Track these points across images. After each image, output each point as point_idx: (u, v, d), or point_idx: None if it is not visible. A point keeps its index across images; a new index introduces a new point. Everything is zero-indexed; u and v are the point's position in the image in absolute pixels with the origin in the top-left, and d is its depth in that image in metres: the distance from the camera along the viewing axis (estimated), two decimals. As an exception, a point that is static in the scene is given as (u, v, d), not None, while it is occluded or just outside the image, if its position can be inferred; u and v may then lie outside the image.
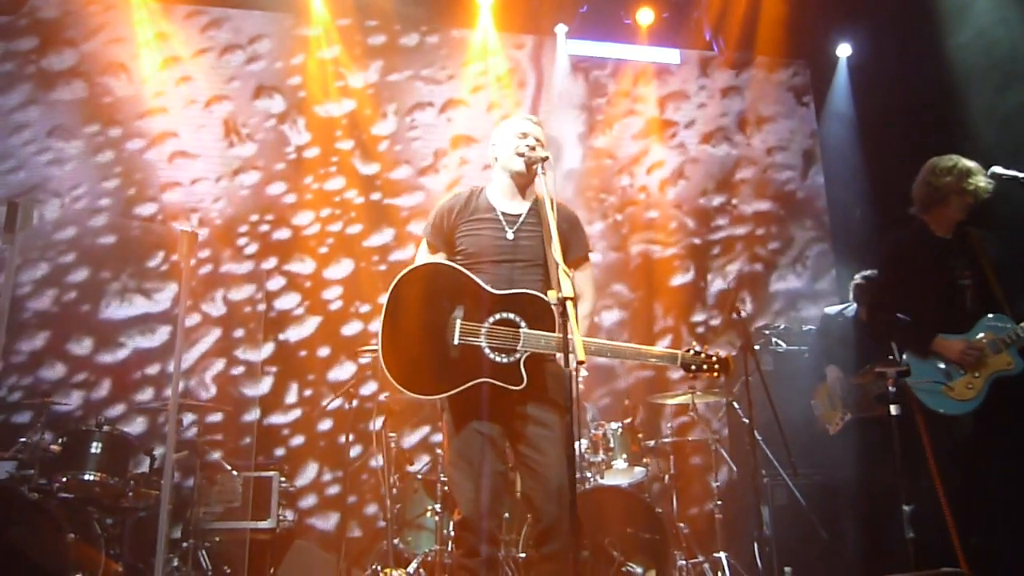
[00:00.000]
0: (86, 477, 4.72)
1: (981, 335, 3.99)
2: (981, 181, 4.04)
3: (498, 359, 2.96)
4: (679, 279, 7.14)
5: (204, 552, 4.98)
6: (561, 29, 7.17)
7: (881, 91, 6.73)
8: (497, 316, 3.00)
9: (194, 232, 4.68)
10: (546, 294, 3.03)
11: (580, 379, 3.28)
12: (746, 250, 7.33)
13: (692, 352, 3.04)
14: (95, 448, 4.77)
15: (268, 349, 6.21)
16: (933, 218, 4.21)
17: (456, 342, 2.96)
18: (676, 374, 6.77)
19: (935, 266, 4.11)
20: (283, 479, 5.44)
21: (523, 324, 2.98)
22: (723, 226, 7.33)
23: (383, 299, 3.08)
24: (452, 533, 4.72)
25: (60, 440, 4.79)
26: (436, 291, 3.03)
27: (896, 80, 6.47)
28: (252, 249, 6.35)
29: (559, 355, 2.81)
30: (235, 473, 5.25)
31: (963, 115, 5.43)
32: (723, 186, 7.40)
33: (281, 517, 5.32)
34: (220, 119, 6.49)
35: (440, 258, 3.23)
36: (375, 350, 3.03)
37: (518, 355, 2.95)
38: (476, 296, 3.02)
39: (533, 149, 3.16)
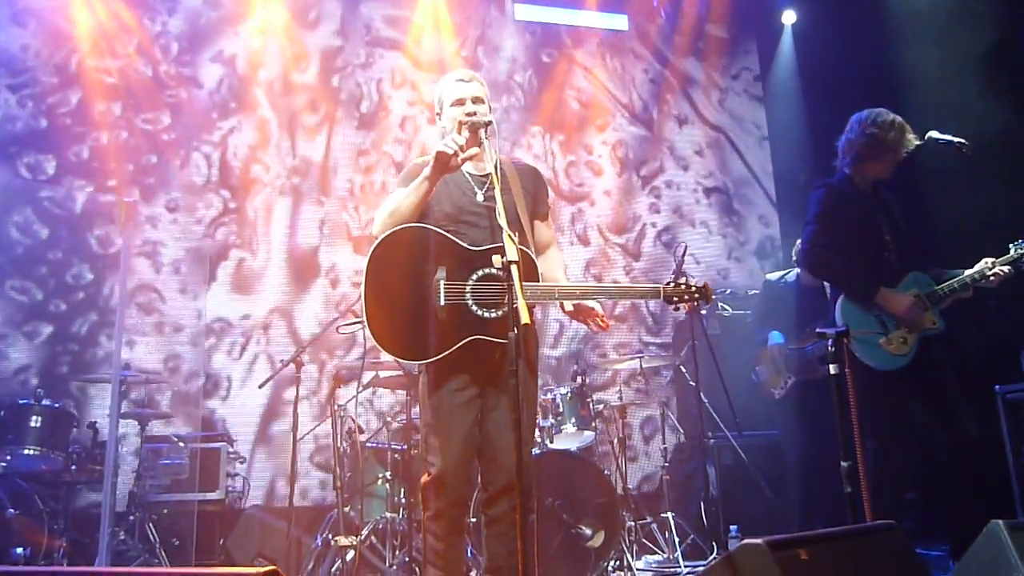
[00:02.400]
0: (26, 452, 4.62)
1: (914, 291, 4.02)
2: (914, 140, 4.10)
3: (486, 314, 2.96)
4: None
5: (151, 525, 4.92)
6: (510, -8, 7.13)
7: (826, 57, 6.81)
8: (480, 272, 2.99)
9: (133, 202, 4.59)
10: (529, 248, 3.05)
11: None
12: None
13: (673, 285, 3.09)
14: (34, 422, 4.68)
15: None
16: (859, 172, 4.17)
17: (442, 303, 2.94)
18: (626, 336, 6.89)
19: (862, 219, 4.11)
20: (231, 450, 5.39)
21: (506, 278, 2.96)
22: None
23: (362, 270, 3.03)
24: (403, 500, 4.76)
25: (-3, 415, 4.68)
26: (415, 256, 3.00)
27: (840, 46, 6.55)
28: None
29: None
30: (182, 444, 5.18)
31: (905, 80, 5.53)
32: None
33: (230, 488, 5.29)
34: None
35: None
36: (359, 322, 2.97)
37: (506, 308, 2.94)
38: (456, 255, 3.00)
39: (473, 114, 3.11)
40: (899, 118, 4.10)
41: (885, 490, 3.78)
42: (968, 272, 4.00)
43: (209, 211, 6.31)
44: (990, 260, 3.98)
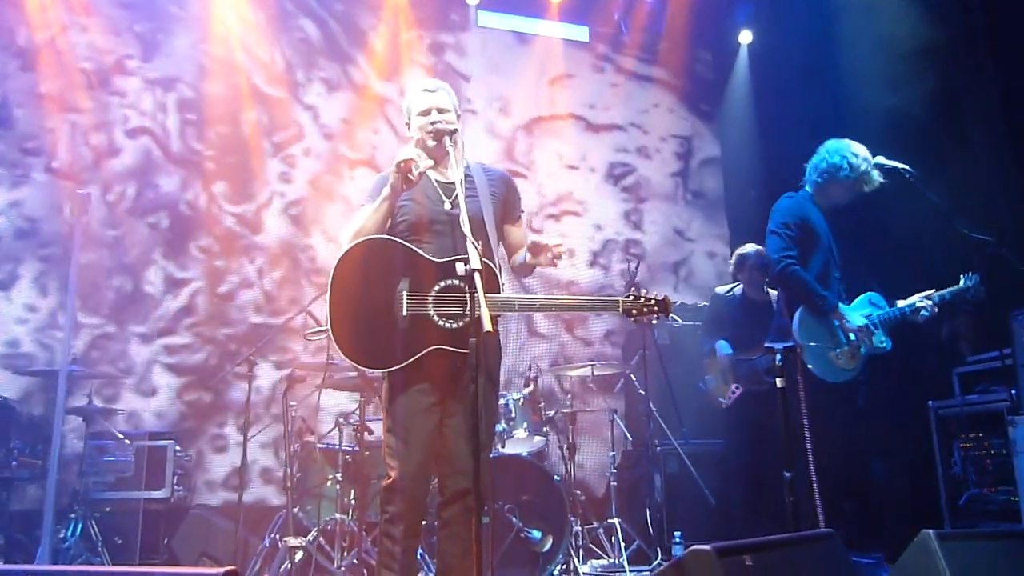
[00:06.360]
0: (-37, 446, 4.52)
1: (868, 312, 4.19)
2: (879, 177, 4.27)
3: (447, 325, 3.01)
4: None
5: (94, 523, 4.83)
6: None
7: (781, 79, 6.97)
8: (442, 284, 3.04)
9: (87, 194, 4.52)
10: (493, 260, 3.10)
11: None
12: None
13: (632, 298, 3.14)
14: (-27, 415, 4.57)
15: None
16: (821, 192, 4.35)
17: (404, 313, 2.99)
18: (584, 346, 6.97)
19: (819, 235, 4.27)
20: (178, 448, 5.33)
21: (467, 288, 3.01)
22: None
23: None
24: (353, 502, 4.76)
25: (-66, 408, 4.56)
26: (378, 267, 3.04)
27: (795, 67, 6.71)
28: None
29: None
30: (128, 441, 5.11)
31: (855, 105, 5.70)
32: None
33: (177, 488, 5.22)
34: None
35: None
36: (325, 330, 3.01)
37: (467, 319, 2.98)
38: (418, 266, 3.05)
39: (439, 123, 3.16)
40: (871, 155, 4.27)
41: (823, 497, 3.93)
42: (900, 304, 4.24)
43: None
44: (922, 294, 4.22)
